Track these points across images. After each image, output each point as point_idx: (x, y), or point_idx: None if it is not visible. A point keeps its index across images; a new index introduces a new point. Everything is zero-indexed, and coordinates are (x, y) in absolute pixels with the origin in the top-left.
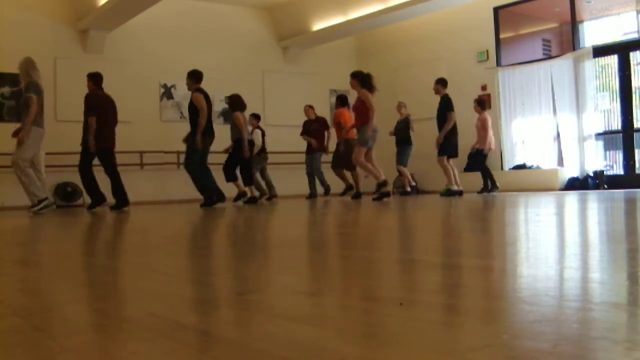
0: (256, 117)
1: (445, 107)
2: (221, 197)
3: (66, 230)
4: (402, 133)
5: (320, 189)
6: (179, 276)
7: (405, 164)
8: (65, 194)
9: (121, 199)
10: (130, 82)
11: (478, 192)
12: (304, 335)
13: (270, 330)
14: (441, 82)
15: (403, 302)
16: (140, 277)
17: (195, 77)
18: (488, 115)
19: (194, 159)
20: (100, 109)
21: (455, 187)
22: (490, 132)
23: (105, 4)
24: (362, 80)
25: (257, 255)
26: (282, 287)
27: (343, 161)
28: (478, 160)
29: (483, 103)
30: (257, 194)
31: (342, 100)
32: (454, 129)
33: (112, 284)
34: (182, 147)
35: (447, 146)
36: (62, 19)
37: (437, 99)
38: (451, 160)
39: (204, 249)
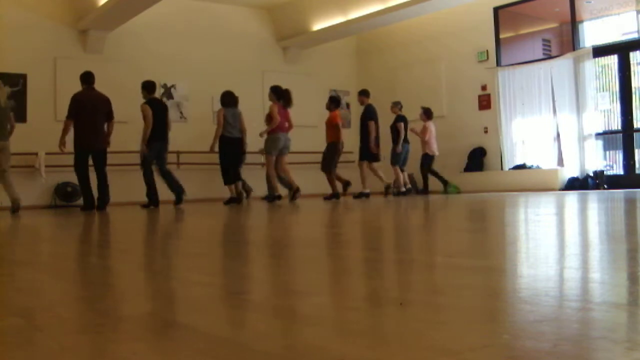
0: None
1: (368, 116)
2: (156, 203)
3: (66, 230)
4: (393, 133)
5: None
6: (178, 276)
7: (396, 163)
8: (65, 194)
9: (86, 200)
10: (130, 82)
11: (418, 192)
12: (304, 335)
13: (270, 330)
14: (363, 94)
15: (403, 302)
16: (140, 277)
17: (147, 88)
18: (432, 124)
19: (145, 163)
20: (79, 111)
21: (367, 190)
22: (432, 139)
23: (105, 4)
24: (277, 94)
25: (256, 255)
26: (281, 287)
27: (332, 164)
28: (425, 163)
29: (429, 113)
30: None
31: (336, 103)
32: (372, 136)
33: (111, 284)
34: (182, 147)
35: (367, 152)
36: (62, 19)
37: (437, 99)
38: (374, 164)
39: (203, 248)
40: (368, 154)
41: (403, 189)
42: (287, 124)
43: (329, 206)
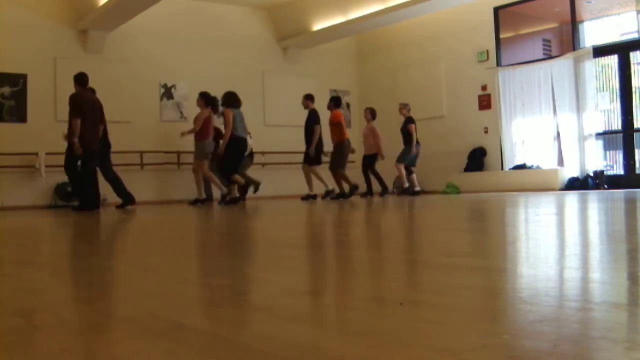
0: None
1: (314, 121)
2: (96, 205)
3: (66, 230)
4: (404, 134)
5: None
6: (178, 276)
7: (402, 162)
8: (65, 194)
9: (90, 200)
10: (130, 82)
11: (379, 195)
12: (304, 335)
13: (270, 330)
14: (309, 98)
15: (403, 302)
16: (140, 277)
17: (79, 81)
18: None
19: (72, 163)
20: (83, 111)
21: (312, 192)
22: (378, 140)
23: (105, 4)
24: (207, 100)
25: (257, 255)
26: (281, 287)
27: (342, 163)
28: (371, 164)
29: (374, 113)
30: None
31: (335, 102)
32: (319, 140)
33: (111, 284)
34: (182, 147)
35: (315, 156)
36: (62, 19)
37: (437, 99)
38: (317, 167)
39: (203, 248)
40: (311, 157)
41: (418, 189)
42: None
43: (328, 206)
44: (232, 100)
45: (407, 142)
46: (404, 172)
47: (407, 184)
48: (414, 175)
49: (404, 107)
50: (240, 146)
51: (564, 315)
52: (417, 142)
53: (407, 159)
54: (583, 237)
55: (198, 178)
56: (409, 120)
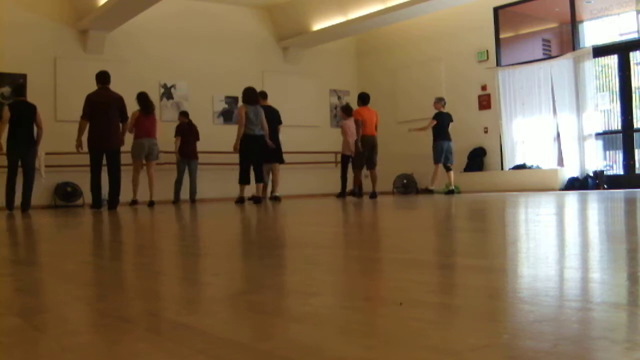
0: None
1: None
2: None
3: (66, 230)
4: (434, 129)
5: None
6: (179, 276)
7: (437, 161)
8: (65, 194)
9: (96, 200)
10: (130, 82)
11: (336, 196)
12: (304, 335)
13: (270, 330)
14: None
15: (403, 302)
16: (140, 277)
17: (14, 89)
18: (352, 122)
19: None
20: (92, 111)
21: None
22: (351, 138)
23: (105, 4)
24: (137, 100)
25: (257, 255)
26: (281, 287)
27: (362, 161)
28: (344, 164)
29: (348, 110)
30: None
31: (363, 99)
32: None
33: (112, 283)
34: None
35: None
36: (62, 19)
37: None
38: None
39: (203, 248)
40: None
41: (451, 187)
42: (151, 130)
43: (327, 206)
44: (246, 96)
45: (434, 138)
46: (437, 170)
47: (432, 186)
48: (451, 173)
49: (438, 101)
50: (250, 143)
51: (564, 315)
52: (445, 138)
53: (436, 157)
54: (583, 237)
55: (149, 179)
56: (434, 116)
